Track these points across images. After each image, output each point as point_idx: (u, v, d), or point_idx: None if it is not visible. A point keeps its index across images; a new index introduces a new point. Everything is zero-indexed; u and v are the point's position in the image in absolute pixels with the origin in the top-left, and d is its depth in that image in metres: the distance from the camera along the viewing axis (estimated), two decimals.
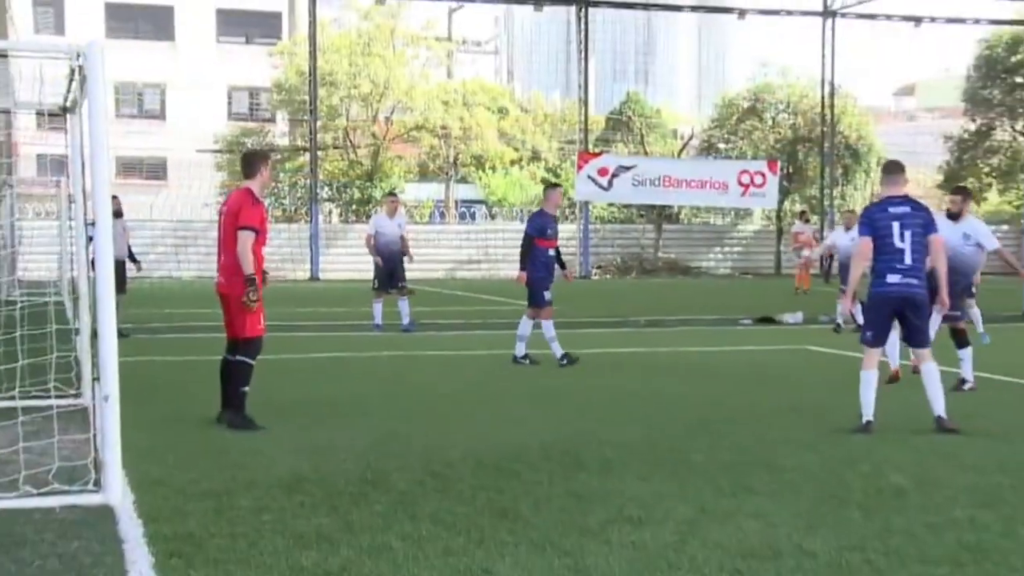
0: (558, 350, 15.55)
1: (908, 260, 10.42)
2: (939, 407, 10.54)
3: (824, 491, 7.99)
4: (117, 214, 17.38)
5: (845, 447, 9.64)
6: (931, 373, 10.62)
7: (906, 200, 10.73)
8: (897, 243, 10.42)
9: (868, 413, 10.48)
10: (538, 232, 15.73)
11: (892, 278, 10.45)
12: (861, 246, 10.83)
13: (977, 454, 9.37)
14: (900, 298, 10.51)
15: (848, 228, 21.11)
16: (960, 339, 13.36)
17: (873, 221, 10.62)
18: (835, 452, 9.41)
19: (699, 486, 8.11)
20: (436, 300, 29.85)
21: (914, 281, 10.48)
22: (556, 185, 17.67)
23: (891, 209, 10.55)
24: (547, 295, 15.64)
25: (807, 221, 40.36)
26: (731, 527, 6.98)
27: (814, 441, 9.91)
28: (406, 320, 20.87)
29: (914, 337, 10.79)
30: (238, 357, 10.65)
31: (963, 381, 13.15)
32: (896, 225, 10.44)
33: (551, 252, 15.78)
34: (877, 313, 10.71)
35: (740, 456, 9.22)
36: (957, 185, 13.71)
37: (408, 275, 21.35)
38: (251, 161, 11.28)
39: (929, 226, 10.66)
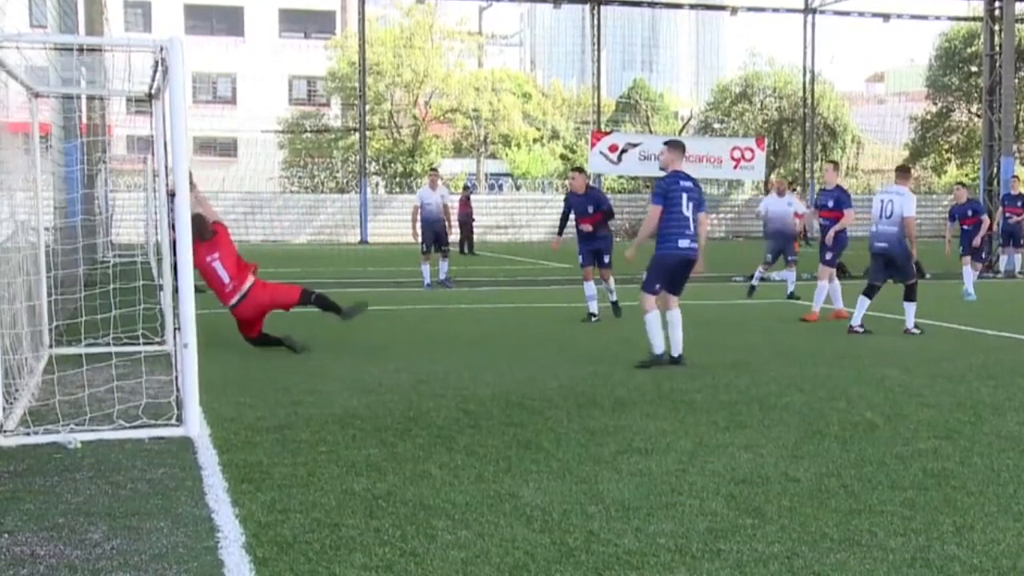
0: (593, 307, 15.19)
1: (691, 228, 10.66)
2: (679, 348, 10.80)
3: (807, 425, 7.92)
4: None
5: (825, 387, 9.56)
6: (678, 318, 10.87)
7: (688, 176, 10.93)
8: (684, 212, 10.64)
9: (659, 347, 10.71)
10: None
11: (683, 243, 10.67)
12: (654, 213, 10.80)
13: (938, 394, 9.28)
14: (688, 260, 10.76)
15: (781, 193, 20.25)
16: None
17: (667, 192, 10.69)
18: (816, 391, 9.34)
19: (698, 422, 8.05)
20: (469, 260, 29.79)
21: (696, 245, 10.75)
22: (578, 169, 16.76)
23: (681, 183, 10.73)
24: (581, 259, 15.22)
25: (795, 191, 39.97)
26: (726, 457, 6.93)
27: (798, 381, 9.83)
28: (443, 277, 20.95)
29: (678, 288, 10.96)
30: (316, 301, 12.13)
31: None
32: (684, 197, 10.64)
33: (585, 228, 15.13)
34: (666, 270, 10.81)
35: (734, 395, 9.15)
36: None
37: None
38: (201, 227, 11.22)
39: (702, 203, 10.89)
